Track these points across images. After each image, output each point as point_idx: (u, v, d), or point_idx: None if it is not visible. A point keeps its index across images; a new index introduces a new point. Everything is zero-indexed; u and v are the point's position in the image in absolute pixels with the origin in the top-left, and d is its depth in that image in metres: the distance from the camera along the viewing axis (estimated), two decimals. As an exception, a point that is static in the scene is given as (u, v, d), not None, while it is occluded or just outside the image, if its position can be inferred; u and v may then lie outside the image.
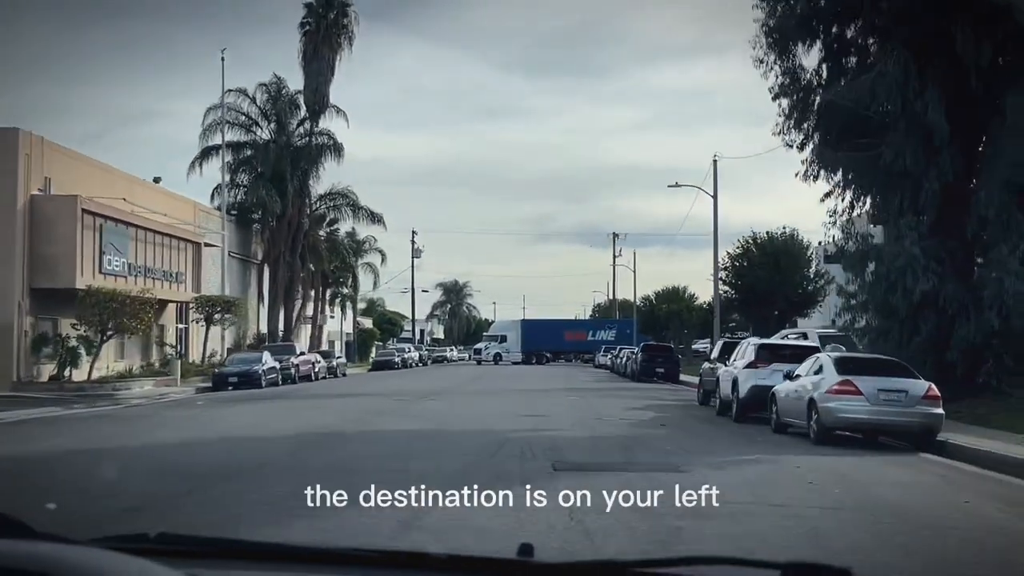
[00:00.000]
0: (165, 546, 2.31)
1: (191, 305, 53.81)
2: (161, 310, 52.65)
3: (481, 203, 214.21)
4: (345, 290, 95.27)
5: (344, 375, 63.68)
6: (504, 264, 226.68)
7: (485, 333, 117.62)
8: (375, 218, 72.85)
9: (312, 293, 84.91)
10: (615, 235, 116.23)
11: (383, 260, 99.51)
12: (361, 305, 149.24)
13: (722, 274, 47.70)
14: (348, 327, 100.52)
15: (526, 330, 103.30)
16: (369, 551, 2.34)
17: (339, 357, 63.87)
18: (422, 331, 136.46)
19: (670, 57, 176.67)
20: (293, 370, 50.11)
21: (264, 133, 69.42)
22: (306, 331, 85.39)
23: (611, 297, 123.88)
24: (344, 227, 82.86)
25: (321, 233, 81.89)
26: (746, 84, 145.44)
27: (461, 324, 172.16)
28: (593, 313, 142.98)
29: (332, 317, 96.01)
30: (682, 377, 52.87)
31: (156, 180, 54.05)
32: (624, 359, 63.38)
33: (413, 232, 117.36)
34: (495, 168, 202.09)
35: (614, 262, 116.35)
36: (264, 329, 68.21)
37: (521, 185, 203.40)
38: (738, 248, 47.51)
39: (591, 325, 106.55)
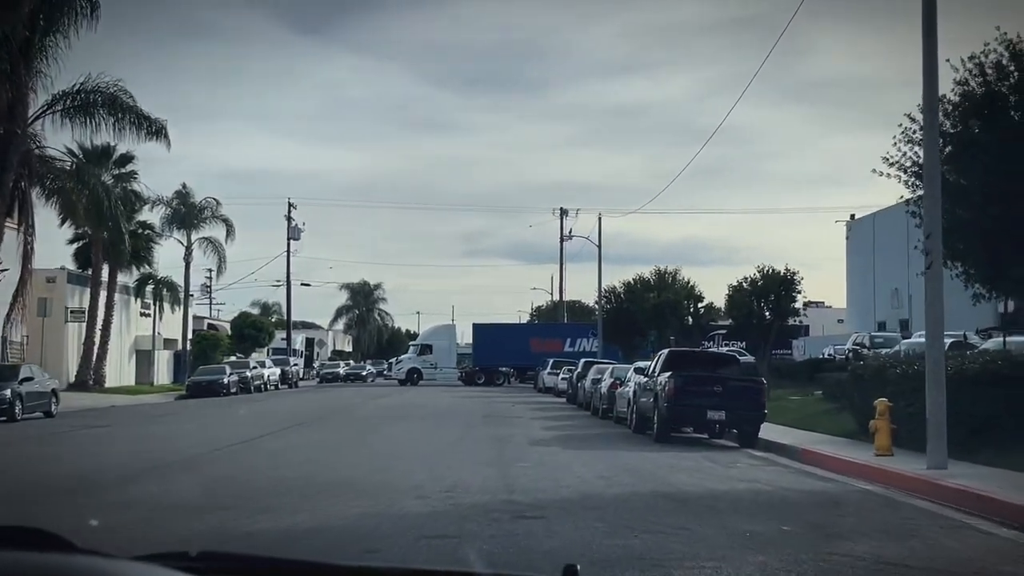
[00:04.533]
0: (206, 564, 2.17)
1: None
2: None
3: (412, 218, 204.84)
4: (160, 274, 63.18)
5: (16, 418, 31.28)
6: (433, 278, 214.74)
7: (411, 343, 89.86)
8: (152, 129, 40.77)
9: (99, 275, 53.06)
10: (563, 211, 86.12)
11: (229, 234, 67.96)
12: (253, 310, 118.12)
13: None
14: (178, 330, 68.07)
15: (479, 337, 75.14)
16: (409, 570, 2.33)
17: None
18: (309, 340, 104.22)
19: (605, 73, 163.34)
20: None
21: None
22: (76, 333, 53.34)
23: (559, 295, 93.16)
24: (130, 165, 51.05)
25: (106, 178, 50.04)
26: (680, 100, 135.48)
27: (371, 334, 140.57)
28: (532, 318, 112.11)
29: (145, 315, 63.74)
30: (763, 432, 22.27)
31: None
32: (604, 384, 32.46)
33: (290, 204, 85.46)
34: (427, 183, 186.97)
35: (561, 245, 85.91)
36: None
37: (453, 200, 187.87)
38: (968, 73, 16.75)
39: (569, 331, 75.77)
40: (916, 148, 17.34)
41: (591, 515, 10.93)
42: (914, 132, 17.15)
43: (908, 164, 17.41)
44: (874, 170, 17.69)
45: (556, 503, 11.88)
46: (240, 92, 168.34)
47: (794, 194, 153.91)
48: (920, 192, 16.87)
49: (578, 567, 2.27)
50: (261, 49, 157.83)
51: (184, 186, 66.38)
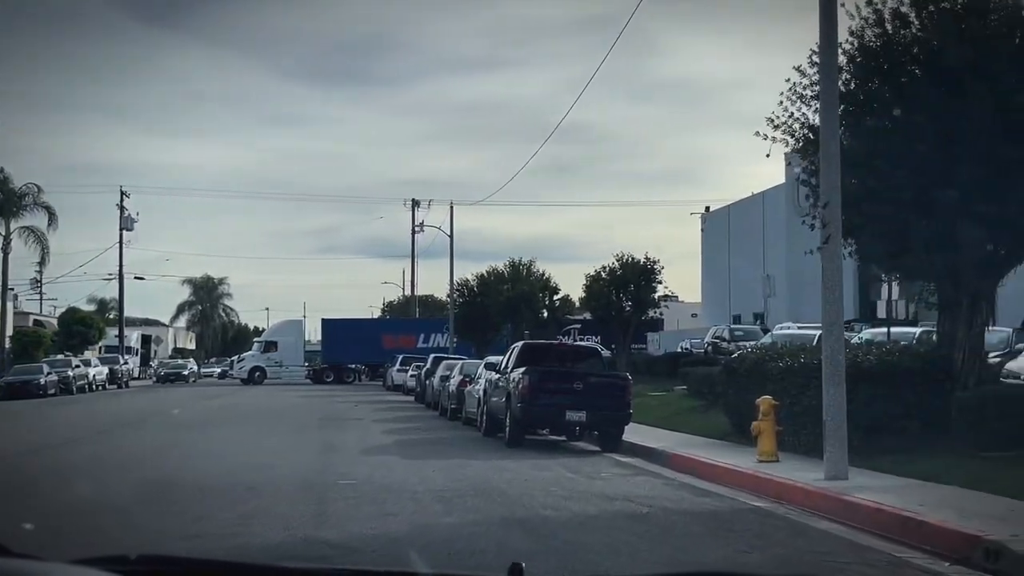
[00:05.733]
0: (145, 567, 2.12)
1: None
2: None
3: (264, 213, 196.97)
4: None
5: None
6: (285, 274, 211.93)
7: (256, 339, 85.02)
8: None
9: None
10: (415, 202, 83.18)
11: (51, 222, 62.97)
12: (89, 307, 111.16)
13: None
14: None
15: (328, 333, 72.50)
16: (354, 570, 2.29)
17: None
18: (145, 337, 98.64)
19: (461, 70, 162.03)
20: None
21: None
22: None
23: (411, 289, 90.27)
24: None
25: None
26: (536, 98, 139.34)
27: (215, 331, 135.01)
28: (383, 313, 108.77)
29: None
30: (627, 433, 19.83)
31: None
32: (453, 381, 29.78)
33: (122, 193, 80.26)
34: (280, 178, 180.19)
35: (413, 236, 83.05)
36: None
37: (306, 196, 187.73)
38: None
39: (423, 326, 72.94)
40: (805, 107, 15.05)
41: (419, 560, 8.12)
42: (804, 88, 14.83)
43: (797, 126, 15.10)
44: (757, 133, 15.31)
45: (376, 540, 9.03)
46: (88, 84, 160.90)
47: (647, 191, 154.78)
48: (811, 158, 14.59)
49: (523, 565, 2.19)
50: (110, 40, 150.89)
51: (2, 170, 61.21)
